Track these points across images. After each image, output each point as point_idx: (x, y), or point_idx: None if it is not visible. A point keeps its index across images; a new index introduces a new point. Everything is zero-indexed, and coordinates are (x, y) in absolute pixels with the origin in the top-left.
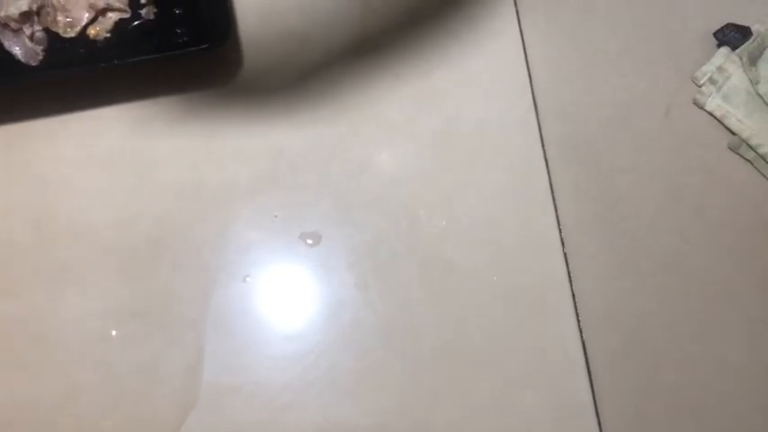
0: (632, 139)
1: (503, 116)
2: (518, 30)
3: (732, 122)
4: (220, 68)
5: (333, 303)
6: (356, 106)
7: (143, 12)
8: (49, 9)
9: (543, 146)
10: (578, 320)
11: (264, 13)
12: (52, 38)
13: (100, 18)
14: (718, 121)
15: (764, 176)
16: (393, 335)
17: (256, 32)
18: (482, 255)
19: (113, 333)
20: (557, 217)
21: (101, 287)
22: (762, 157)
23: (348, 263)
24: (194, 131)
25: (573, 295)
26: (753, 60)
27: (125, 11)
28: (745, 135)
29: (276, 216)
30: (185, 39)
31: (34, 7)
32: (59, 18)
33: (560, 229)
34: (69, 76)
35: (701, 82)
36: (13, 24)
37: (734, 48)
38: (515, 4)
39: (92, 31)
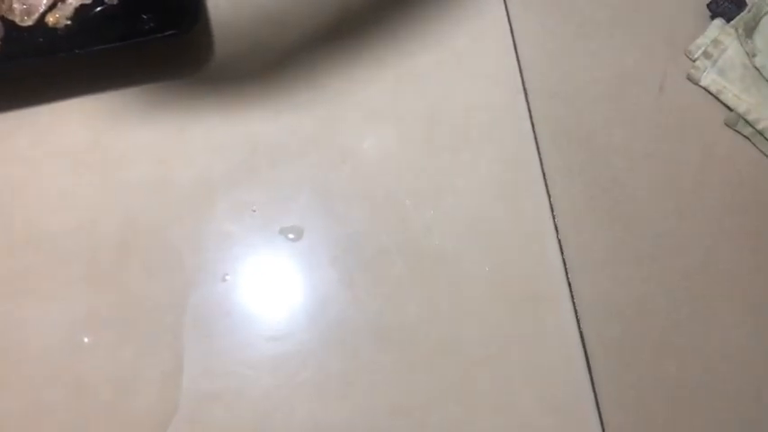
0: (625, 119)
1: (490, 98)
2: (503, 5)
3: (728, 98)
4: (190, 56)
5: (318, 301)
6: (336, 92)
7: None
8: None
9: (534, 127)
10: (575, 310)
11: None
12: (8, 26)
13: (59, 4)
14: (714, 96)
15: (763, 153)
16: (383, 333)
17: (228, 16)
18: (473, 245)
19: (85, 341)
20: (550, 203)
21: (66, 296)
22: (760, 132)
23: (332, 257)
24: (163, 124)
25: (569, 284)
26: (749, 32)
27: None
28: (742, 110)
29: (254, 210)
30: (152, 25)
31: None
32: (15, 5)
33: (554, 216)
34: (27, 68)
35: (696, 56)
36: None
37: (728, 19)
38: None
39: (51, 19)
